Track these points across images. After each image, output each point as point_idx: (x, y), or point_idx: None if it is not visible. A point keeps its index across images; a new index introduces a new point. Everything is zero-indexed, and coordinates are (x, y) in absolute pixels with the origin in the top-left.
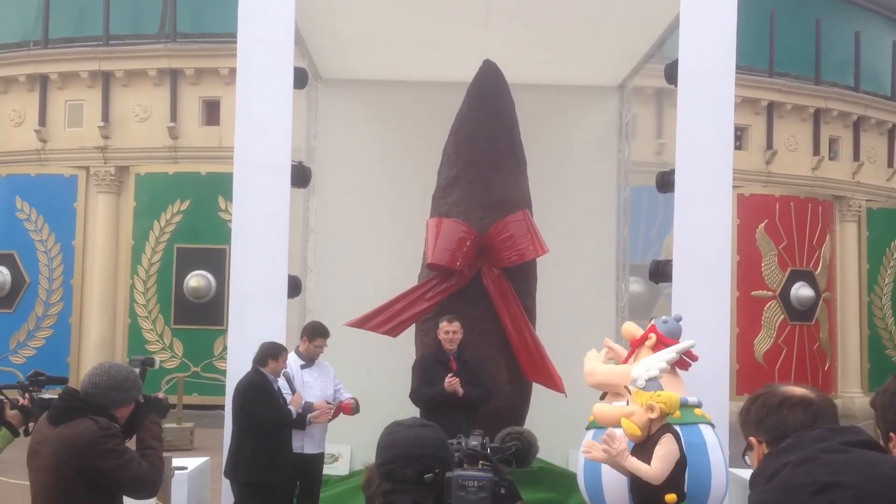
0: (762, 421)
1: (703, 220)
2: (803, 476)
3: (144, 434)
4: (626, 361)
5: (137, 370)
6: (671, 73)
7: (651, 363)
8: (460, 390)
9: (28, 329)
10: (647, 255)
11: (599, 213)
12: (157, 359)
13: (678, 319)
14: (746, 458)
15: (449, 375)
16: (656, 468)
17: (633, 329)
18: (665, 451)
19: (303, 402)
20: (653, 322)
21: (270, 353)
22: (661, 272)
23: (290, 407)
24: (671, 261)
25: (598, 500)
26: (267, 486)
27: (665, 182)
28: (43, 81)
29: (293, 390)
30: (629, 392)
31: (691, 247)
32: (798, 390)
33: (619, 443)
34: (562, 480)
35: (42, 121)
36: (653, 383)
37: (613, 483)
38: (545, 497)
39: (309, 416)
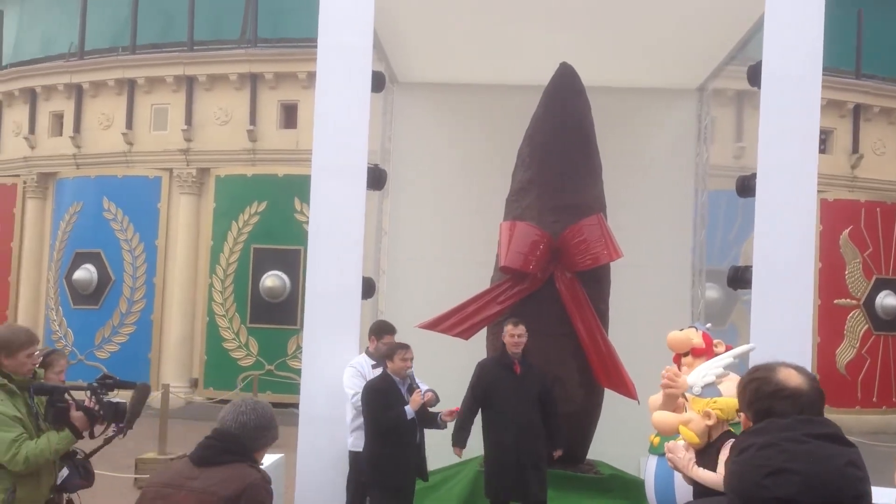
0: (752, 404)
1: (786, 225)
2: (762, 459)
3: None
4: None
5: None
6: (754, 75)
7: (707, 369)
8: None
9: (112, 325)
10: (723, 261)
11: (676, 217)
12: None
13: (707, 326)
14: None
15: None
16: (722, 474)
17: (687, 337)
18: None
19: (423, 400)
20: (702, 330)
21: (385, 355)
22: (740, 278)
23: (406, 407)
24: (751, 267)
25: None
26: (387, 487)
27: (746, 186)
28: (130, 86)
29: (412, 389)
30: (686, 399)
31: (773, 253)
32: (793, 381)
33: (685, 453)
34: (633, 488)
35: (129, 124)
36: (710, 389)
37: (686, 490)
38: None
39: (441, 414)
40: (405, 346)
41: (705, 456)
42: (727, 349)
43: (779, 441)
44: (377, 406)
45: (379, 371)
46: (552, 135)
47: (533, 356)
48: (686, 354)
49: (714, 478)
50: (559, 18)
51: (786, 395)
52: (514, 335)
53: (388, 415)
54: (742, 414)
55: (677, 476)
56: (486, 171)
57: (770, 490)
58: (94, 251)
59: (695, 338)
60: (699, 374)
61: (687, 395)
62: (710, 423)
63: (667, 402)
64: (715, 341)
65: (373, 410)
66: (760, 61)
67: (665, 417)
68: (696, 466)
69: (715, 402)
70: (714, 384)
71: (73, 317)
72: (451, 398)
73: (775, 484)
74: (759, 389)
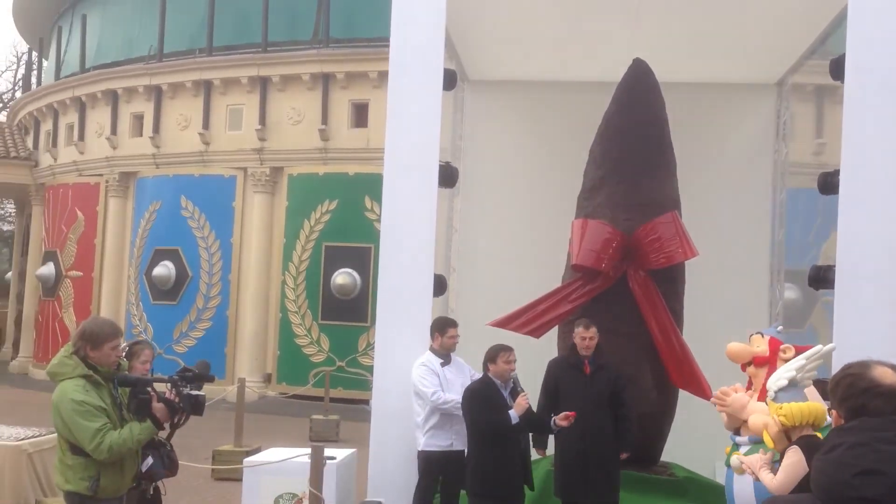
0: (844, 401)
1: (870, 223)
2: (852, 458)
3: None
4: (766, 383)
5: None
6: (837, 69)
7: (781, 372)
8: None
9: (190, 320)
10: (802, 261)
11: (753, 215)
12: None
13: (779, 329)
14: None
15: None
16: (777, 479)
17: (743, 348)
18: (788, 463)
19: (528, 404)
20: (768, 335)
21: (487, 357)
22: (822, 278)
23: (510, 412)
24: (834, 266)
25: None
26: (491, 496)
27: (829, 183)
28: (207, 87)
29: (515, 393)
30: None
31: (856, 252)
32: (888, 378)
33: (762, 455)
34: (708, 492)
35: (205, 124)
36: (786, 393)
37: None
38: None
39: (555, 418)
40: (508, 349)
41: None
42: (798, 352)
43: (870, 441)
44: (478, 410)
45: (449, 368)
46: (625, 132)
47: (606, 356)
48: (749, 364)
49: (769, 480)
50: (632, 13)
51: (880, 392)
52: (586, 337)
53: (490, 419)
54: (835, 413)
55: (738, 485)
56: (557, 168)
57: (858, 490)
58: (173, 248)
59: (759, 345)
60: (774, 378)
61: (767, 400)
62: (776, 429)
63: (729, 420)
64: (783, 346)
65: (474, 415)
66: (843, 54)
67: (756, 420)
68: (765, 469)
69: (781, 409)
70: (794, 387)
71: (152, 312)
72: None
73: (864, 484)
74: (853, 385)
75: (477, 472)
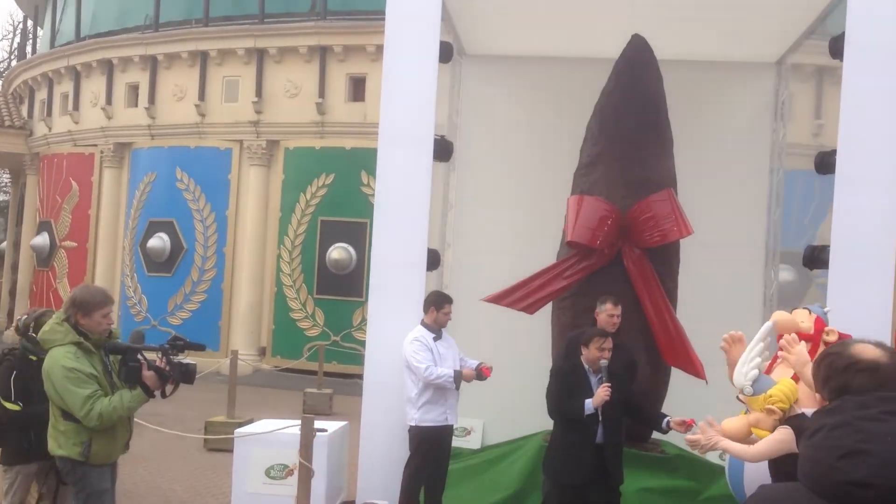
0: (827, 382)
1: (866, 203)
2: (835, 440)
3: None
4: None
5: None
6: (837, 48)
7: (745, 365)
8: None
9: (185, 293)
10: (799, 243)
11: (750, 195)
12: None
13: (826, 311)
14: None
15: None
16: (757, 447)
17: (792, 320)
18: (773, 438)
19: (607, 397)
20: (815, 314)
21: (582, 340)
22: (816, 258)
23: (587, 401)
24: (828, 246)
25: (740, 493)
26: (555, 482)
27: (825, 163)
28: (203, 58)
29: (601, 381)
30: (742, 402)
31: (851, 232)
32: (868, 353)
33: (709, 431)
34: (699, 469)
35: (201, 96)
36: (760, 384)
37: (755, 478)
38: (683, 485)
39: (671, 420)
40: (604, 335)
41: None
42: (840, 338)
43: (852, 420)
44: (553, 392)
45: (441, 343)
46: (622, 108)
47: (620, 335)
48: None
49: (747, 452)
50: None
51: (861, 367)
52: (614, 315)
53: (559, 405)
54: (819, 396)
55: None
56: (553, 144)
57: (844, 473)
58: (168, 220)
59: (805, 321)
60: (741, 373)
61: (741, 398)
62: (777, 417)
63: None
64: (827, 328)
65: (549, 395)
66: (843, 33)
67: (733, 424)
68: (724, 440)
69: (770, 397)
70: (762, 377)
71: (147, 284)
72: (514, 373)
73: (849, 466)
74: (833, 364)
75: (550, 453)
